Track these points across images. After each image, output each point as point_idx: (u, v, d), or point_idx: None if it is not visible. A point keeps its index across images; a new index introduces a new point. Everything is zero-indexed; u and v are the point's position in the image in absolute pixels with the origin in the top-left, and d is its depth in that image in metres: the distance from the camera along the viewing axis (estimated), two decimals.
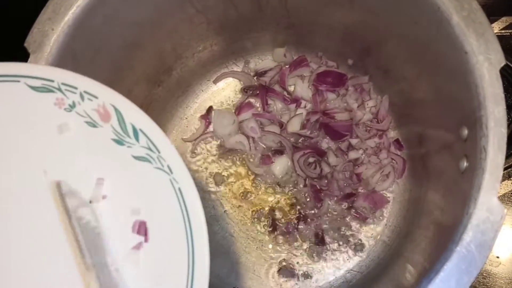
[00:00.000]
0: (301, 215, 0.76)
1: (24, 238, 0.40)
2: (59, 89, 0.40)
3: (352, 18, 0.68)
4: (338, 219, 0.75)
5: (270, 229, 0.76)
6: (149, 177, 0.40)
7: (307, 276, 0.74)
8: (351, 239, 0.75)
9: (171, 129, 0.81)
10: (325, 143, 0.77)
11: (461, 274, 0.45)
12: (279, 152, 0.78)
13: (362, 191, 0.76)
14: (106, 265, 0.39)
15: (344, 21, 0.70)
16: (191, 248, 0.38)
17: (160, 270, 0.39)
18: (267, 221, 0.76)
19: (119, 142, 0.40)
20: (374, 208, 0.75)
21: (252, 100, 0.82)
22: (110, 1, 0.56)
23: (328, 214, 0.76)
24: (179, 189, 0.39)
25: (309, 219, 0.75)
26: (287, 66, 0.82)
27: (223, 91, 0.83)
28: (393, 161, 0.76)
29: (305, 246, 0.75)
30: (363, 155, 0.77)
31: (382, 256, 0.73)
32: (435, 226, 0.60)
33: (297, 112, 0.78)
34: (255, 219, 0.77)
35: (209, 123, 0.81)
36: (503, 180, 0.77)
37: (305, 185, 0.77)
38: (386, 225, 0.75)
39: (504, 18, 0.85)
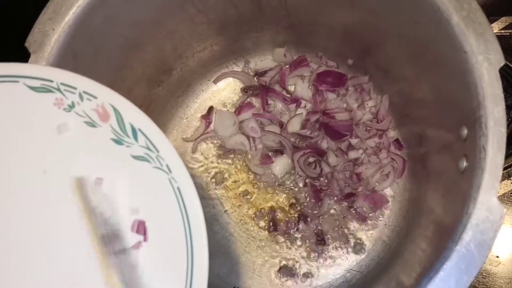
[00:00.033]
0: (301, 215, 0.76)
1: (24, 238, 0.40)
2: (58, 89, 0.40)
3: (352, 18, 0.68)
4: (338, 219, 0.76)
5: (270, 228, 0.76)
6: (148, 177, 0.40)
7: (307, 275, 0.74)
8: (351, 238, 0.75)
9: (172, 129, 0.81)
10: (325, 143, 0.77)
11: (461, 273, 0.45)
12: (279, 152, 0.78)
13: (362, 191, 0.76)
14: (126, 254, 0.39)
15: (344, 21, 0.70)
16: (190, 247, 0.39)
17: (159, 269, 0.39)
18: (267, 220, 0.76)
19: (118, 141, 0.40)
20: (374, 208, 0.75)
21: (252, 100, 0.82)
22: (110, 1, 0.56)
23: (328, 214, 0.76)
24: (178, 188, 0.39)
25: (309, 219, 0.75)
26: (287, 66, 0.82)
27: (223, 91, 0.83)
28: (393, 161, 0.76)
29: (305, 245, 0.75)
30: (363, 155, 0.77)
31: (382, 255, 0.73)
32: (435, 225, 0.60)
33: (297, 112, 0.78)
34: (255, 219, 0.77)
35: (210, 123, 0.81)
36: (502, 179, 0.77)
37: (305, 185, 0.77)
38: (386, 224, 0.75)
39: (503, 18, 0.84)
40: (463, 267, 0.45)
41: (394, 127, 0.78)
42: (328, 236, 0.75)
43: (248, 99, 0.82)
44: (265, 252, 0.75)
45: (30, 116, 0.40)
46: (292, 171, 0.77)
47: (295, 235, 0.75)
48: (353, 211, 0.75)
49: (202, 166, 0.79)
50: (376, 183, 0.76)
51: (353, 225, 0.75)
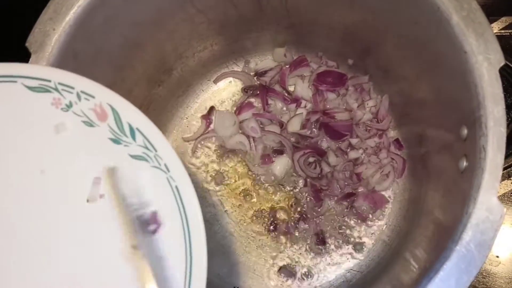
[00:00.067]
0: (301, 215, 0.76)
1: (22, 238, 0.40)
2: (56, 89, 0.40)
3: (352, 18, 0.68)
4: (338, 218, 0.76)
5: (271, 228, 0.76)
6: (146, 176, 0.40)
7: (307, 275, 0.74)
8: (351, 238, 0.75)
9: (172, 129, 0.81)
10: (325, 143, 0.77)
11: (461, 273, 0.45)
12: (279, 152, 0.78)
13: (362, 190, 0.76)
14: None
15: (344, 21, 0.70)
16: (188, 246, 0.39)
17: (159, 269, 0.39)
18: (268, 220, 0.76)
19: (116, 141, 0.40)
20: (374, 208, 0.75)
21: (252, 100, 0.82)
22: (111, 1, 0.56)
23: (328, 214, 0.76)
24: (176, 187, 0.39)
25: (309, 219, 0.75)
26: (287, 66, 0.82)
27: (223, 91, 0.83)
28: (393, 160, 0.76)
29: (305, 245, 0.75)
30: (363, 154, 0.77)
31: (382, 255, 0.73)
32: (435, 225, 0.60)
33: (297, 112, 0.78)
34: (256, 219, 0.77)
35: (210, 123, 0.81)
36: (502, 179, 0.77)
37: (305, 185, 0.77)
38: (386, 224, 0.75)
39: (503, 18, 0.84)
40: (463, 267, 0.45)
41: (394, 127, 0.78)
42: (328, 236, 0.75)
43: (248, 99, 0.81)
44: (265, 252, 0.75)
45: (28, 116, 0.41)
46: (292, 171, 0.77)
47: (295, 235, 0.75)
48: (353, 211, 0.75)
49: (202, 166, 0.79)
50: (376, 183, 0.76)
51: (353, 225, 0.75)
